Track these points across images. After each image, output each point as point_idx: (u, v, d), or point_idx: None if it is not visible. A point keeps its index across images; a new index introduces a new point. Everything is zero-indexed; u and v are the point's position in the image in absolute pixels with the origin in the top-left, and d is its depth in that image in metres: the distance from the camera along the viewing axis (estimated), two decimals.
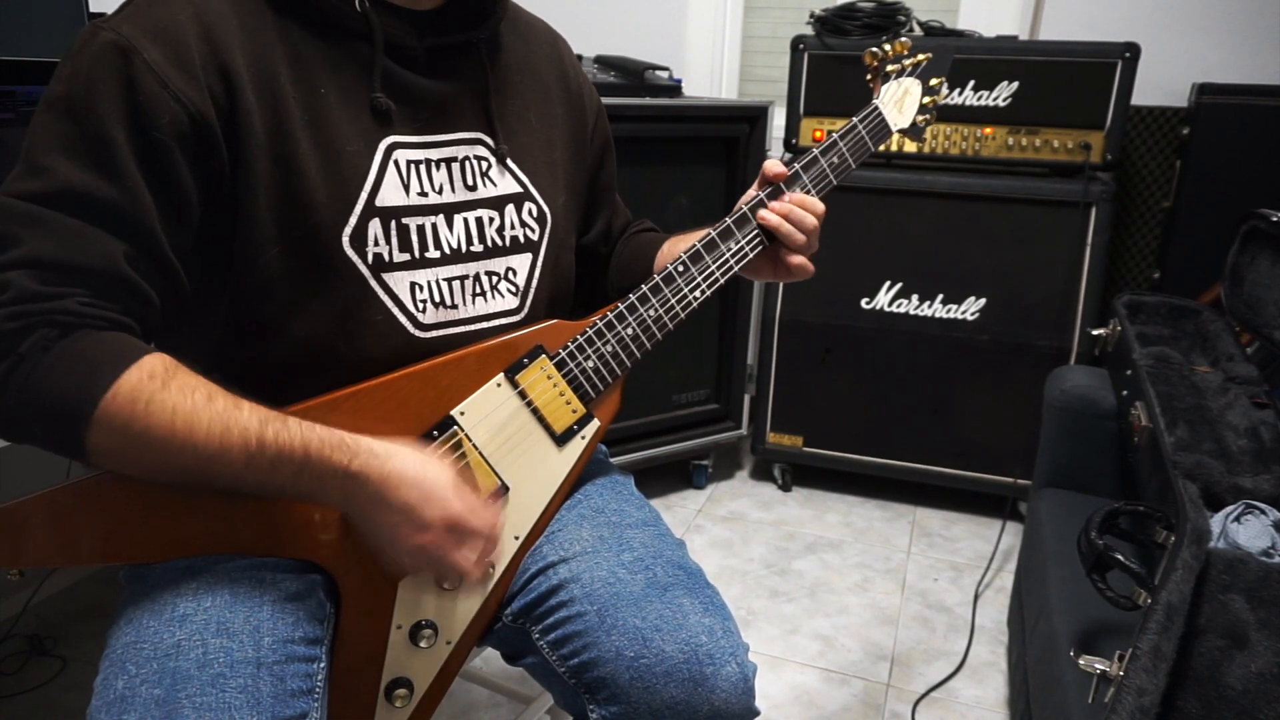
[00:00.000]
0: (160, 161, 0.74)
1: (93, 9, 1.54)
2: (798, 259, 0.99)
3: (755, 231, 0.99)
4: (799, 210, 0.97)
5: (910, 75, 1.13)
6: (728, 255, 0.98)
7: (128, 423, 0.69)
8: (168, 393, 0.70)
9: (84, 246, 0.71)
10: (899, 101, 1.12)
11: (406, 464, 0.76)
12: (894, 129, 1.11)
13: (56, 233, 0.70)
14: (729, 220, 0.98)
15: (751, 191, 1.01)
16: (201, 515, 0.78)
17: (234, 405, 0.72)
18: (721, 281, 0.98)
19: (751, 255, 0.99)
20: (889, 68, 1.12)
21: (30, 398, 0.68)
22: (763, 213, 0.98)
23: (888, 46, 1.12)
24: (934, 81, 1.15)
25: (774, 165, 0.99)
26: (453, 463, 0.81)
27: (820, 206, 0.99)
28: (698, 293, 0.97)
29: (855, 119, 1.06)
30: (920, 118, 1.14)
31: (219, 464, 0.71)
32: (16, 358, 0.68)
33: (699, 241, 0.97)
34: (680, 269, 0.96)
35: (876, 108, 1.09)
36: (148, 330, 0.75)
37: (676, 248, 1.03)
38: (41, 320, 0.68)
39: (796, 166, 1.01)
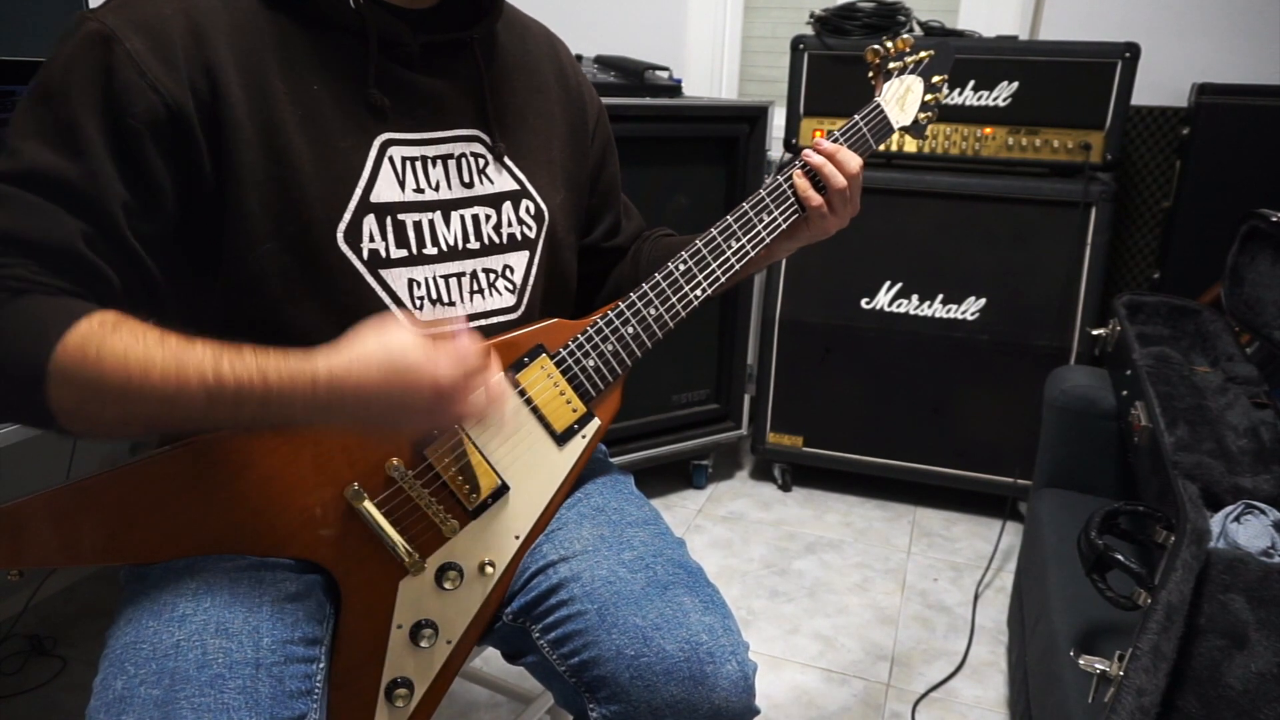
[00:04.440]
0: (131, 148, 0.74)
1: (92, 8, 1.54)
2: (818, 201, 0.99)
3: (759, 231, 0.99)
4: (843, 153, 0.99)
5: (912, 72, 1.13)
6: (730, 255, 0.98)
7: (81, 371, 0.67)
8: (118, 336, 0.68)
9: (40, 222, 0.71)
10: (901, 99, 1.11)
11: (369, 366, 0.70)
12: (896, 126, 1.10)
13: (15, 208, 0.71)
14: (731, 219, 0.98)
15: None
16: (202, 515, 0.77)
17: (186, 343, 0.69)
18: (723, 280, 0.98)
19: (753, 254, 0.99)
20: (891, 65, 1.12)
21: None
22: (807, 153, 0.99)
23: (890, 44, 1.12)
24: (936, 79, 1.15)
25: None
26: (409, 320, 0.76)
27: (857, 161, 1.00)
28: (699, 291, 0.97)
29: (857, 116, 1.06)
30: (922, 115, 1.14)
31: (181, 404, 0.68)
32: None
33: (700, 240, 0.97)
34: (681, 267, 0.96)
35: (879, 105, 1.09)
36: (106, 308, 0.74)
37: None
38: None
39: (798, 163, 1.01)
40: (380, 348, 0.71)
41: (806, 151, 1.00)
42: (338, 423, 0.76)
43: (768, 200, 0.99)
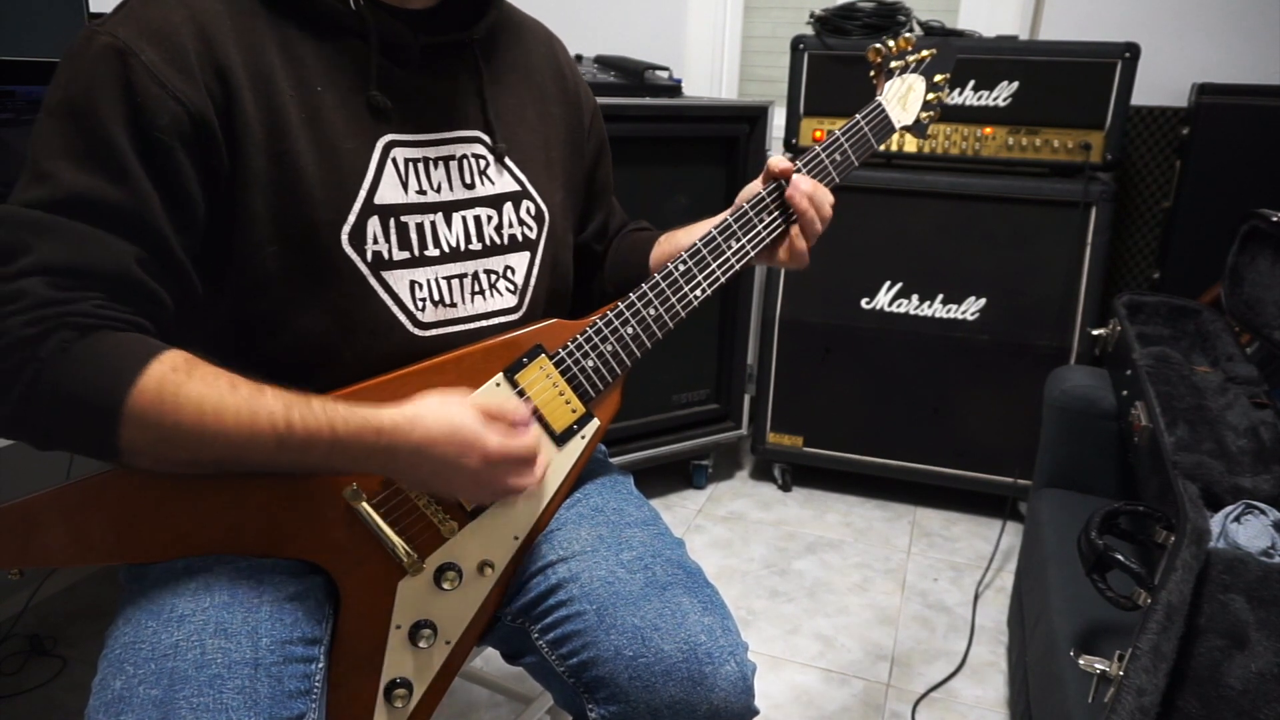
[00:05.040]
0: (163, 162, 0.74)
1: (93, 9, 1.54)
2: (802, 245, 1.00)
3: (759, 231, 0.99)
4: (819, 194, 0.99)
5: (914, 72, 1.13)
6: (730, 255, 0.98)
7: (159, 417, 0.69)
8: (193, 384, 0.70)
9: (94, 251, 0.71)
10: (903, 98, 1.11)
11: (432, 427, 0.77)
12: (897, 126, 1.10)
13: (66, 238, 0.70)
14: (730, 219, 0.98)
15: (754, 185, 1.00)
16: (203, 515, 0.78)
17: (258, 391, 0.73)
18: (723, 281, 0.98)
19: (754, 254, 0.99)
20: (893, 64, 1.12)
21: (58, 401, 0.68)
22: (791, 191, 0.98)
23: (891, 43, 1.12)
24: (938, 78, 1.15)
25: (779, 161, 0.99)
26: (470, 398, 0.81)
27: (831, 197, 1.01)
28: (699, 292, 0.97)
29: (859, 116, 1.06)
30: (924, 114, 1.14)
31: (251, 449, 0.72)
32: (38, 363, 0.67)
33: (700, 240, 0.97)
34: (681, 267, 0.96)
35: (880, 104, 1.09)
36: (162, 331, 0.75)
37: (674, 241, 1.04)
38: (59, 323, 0.68)
39: (799, 163, 1.01)
40: (442, 418, 0.77)
41: (791, 194, 0.98)
42: (396, 475, 0.80)
43: (768, 200, 0.99)
